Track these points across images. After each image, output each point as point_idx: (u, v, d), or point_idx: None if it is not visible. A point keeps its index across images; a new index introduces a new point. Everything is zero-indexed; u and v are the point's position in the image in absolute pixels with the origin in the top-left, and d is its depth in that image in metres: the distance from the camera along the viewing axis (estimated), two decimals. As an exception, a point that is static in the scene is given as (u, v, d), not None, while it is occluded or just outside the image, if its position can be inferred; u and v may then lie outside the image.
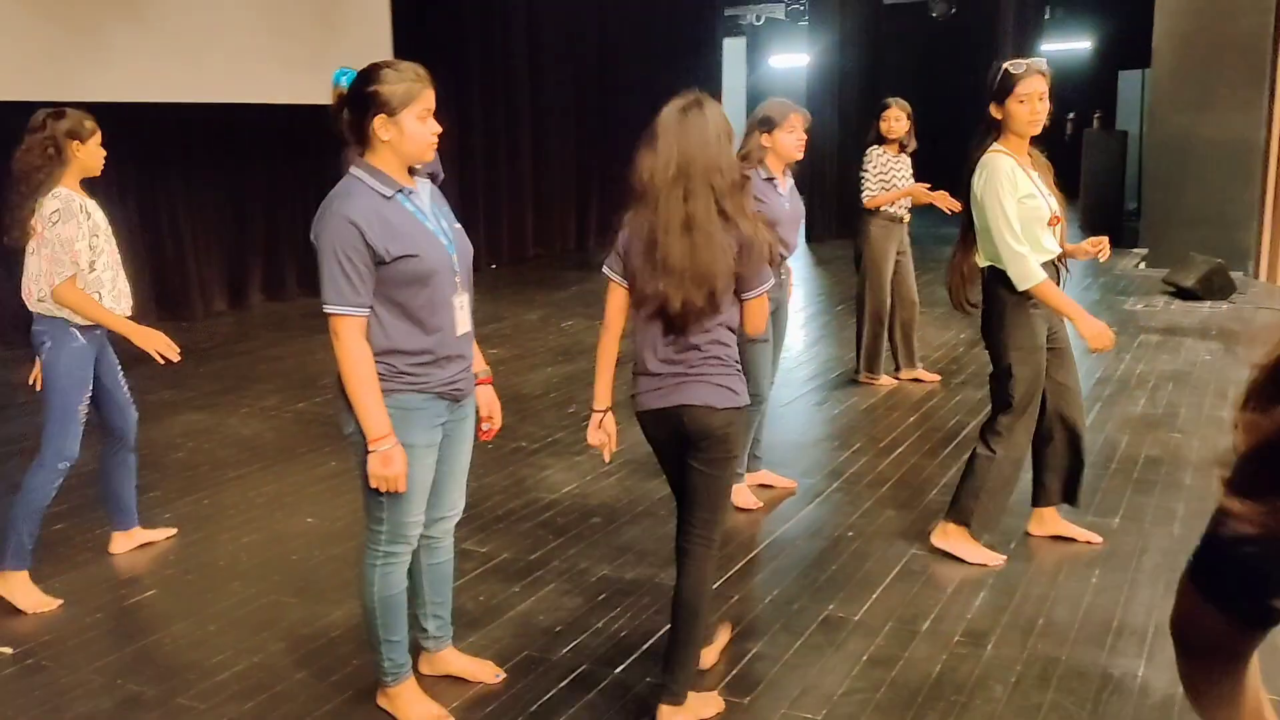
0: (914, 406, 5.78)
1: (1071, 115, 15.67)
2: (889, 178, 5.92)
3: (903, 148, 6.02)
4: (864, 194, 5.95)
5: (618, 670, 3.08)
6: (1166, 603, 3.36)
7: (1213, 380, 6.17)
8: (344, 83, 2.65)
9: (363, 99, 2.53)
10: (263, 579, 3.69)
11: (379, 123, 2.51)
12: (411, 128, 2.54)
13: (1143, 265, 11.00)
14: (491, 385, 2.95)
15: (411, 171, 2.64)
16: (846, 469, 4.81)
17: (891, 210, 5.95)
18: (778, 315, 4.34)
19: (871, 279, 6.04)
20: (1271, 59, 10.75)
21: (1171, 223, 11.03)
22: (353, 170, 2.57)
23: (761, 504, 4.34)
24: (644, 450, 5.05)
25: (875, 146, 5.97)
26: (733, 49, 20.03)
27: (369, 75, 2.54)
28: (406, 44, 9.80)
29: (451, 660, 3.03)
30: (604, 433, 2.87)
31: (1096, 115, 14.92)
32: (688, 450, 2.71)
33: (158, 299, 8.11)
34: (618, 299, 2.74)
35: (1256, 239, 10.93)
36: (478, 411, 2.87)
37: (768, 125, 4.21)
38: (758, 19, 19.46)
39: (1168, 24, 11.30)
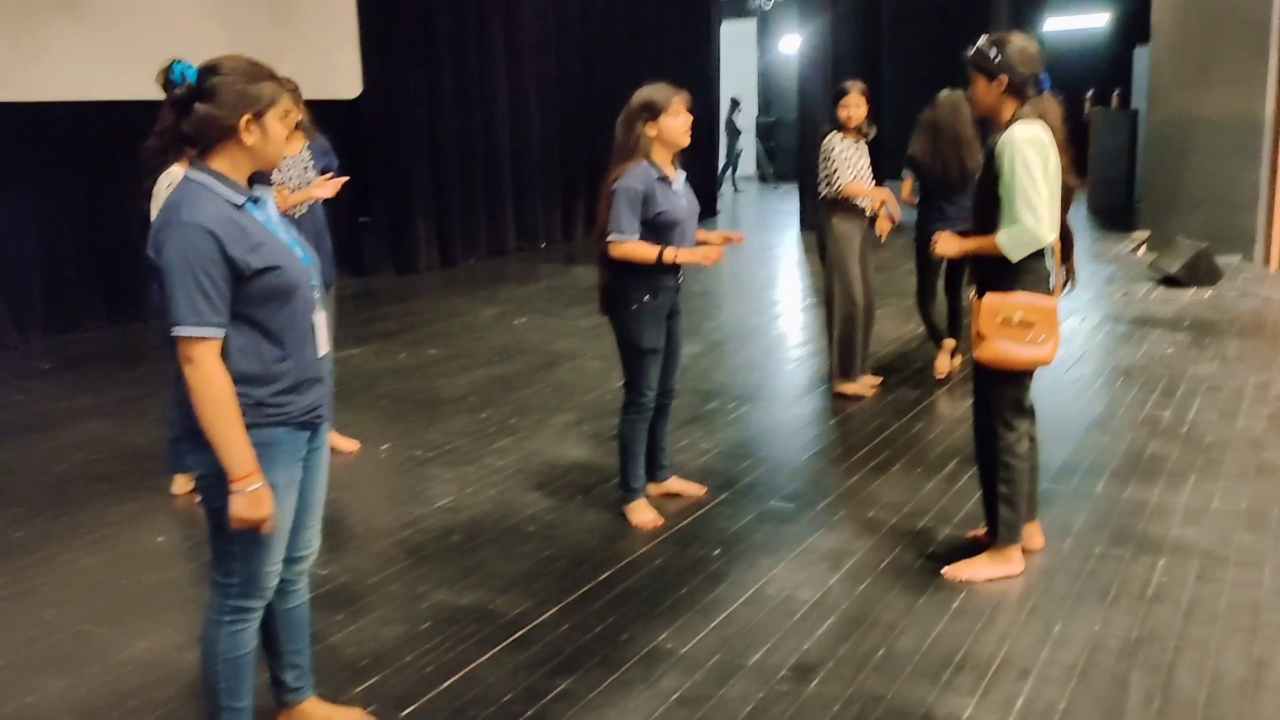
0: (860, 412, 5.52)
1: (1090, 93, 15.13)
2: (851, 166, 5.52)
3: (862, 134, 5.67)
4: (821, 184, 5.58)
5: (403, 714, 2.88)
6: (1023, 632, 3.11)
7: (1165, 375, 5.82)
8: (189, 77, 2.40)
9: (226, 96, 2.31)
10: (81, 605, 3.54)
11: (244, 124, 2.31)
12: (276, 131, 2.38)
13: (1143, 249, 10.56)
14: None
15: (253, 181, 2.44)
16: (743, 478, 4.57)
17: (856, 200, 5.55)
18: (675, 321, 4.12)
19: (840, 277, 5.61)
20: (1277, 32, 10.21)
21: (1173, 205, 10.56)
22: (193, 175, 2.33)
23: (664, 520, 4.10)
24: (538, 461, 4.89)
25: (834, 133, 5.61)
26: (742, 32, 19.71)
27: (226, 71, 2.32)
28: (373, 35, 9.67)
29: (314, 712, 2.77)
30: None
31: (1116, 93, 14.42)
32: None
33: (109, 300, 8.08)
34: None
35: (1264, 221, 10.43)
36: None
37: (652, 112, 3.95)
38: (767, 2, 19.07)
39: (1167, -3, 10.82)
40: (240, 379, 2.30)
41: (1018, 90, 3.33)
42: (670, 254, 3.85)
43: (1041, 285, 3.39)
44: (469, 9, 10.83)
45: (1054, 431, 5.02)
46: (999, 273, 3.39)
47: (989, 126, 3.53)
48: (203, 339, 2.25)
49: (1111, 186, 13.39)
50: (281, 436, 2.38)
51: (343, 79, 9.41)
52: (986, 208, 3.41)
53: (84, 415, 5.73)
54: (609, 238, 3.89)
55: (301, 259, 2.44)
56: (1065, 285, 3.54)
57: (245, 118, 2.31)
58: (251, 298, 2.31)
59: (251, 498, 2.29)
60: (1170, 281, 8.41)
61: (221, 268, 2.25)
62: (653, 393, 4.11)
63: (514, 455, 4.95)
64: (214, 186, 2.31)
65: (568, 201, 12.52)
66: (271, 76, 2.40)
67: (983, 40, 3.38)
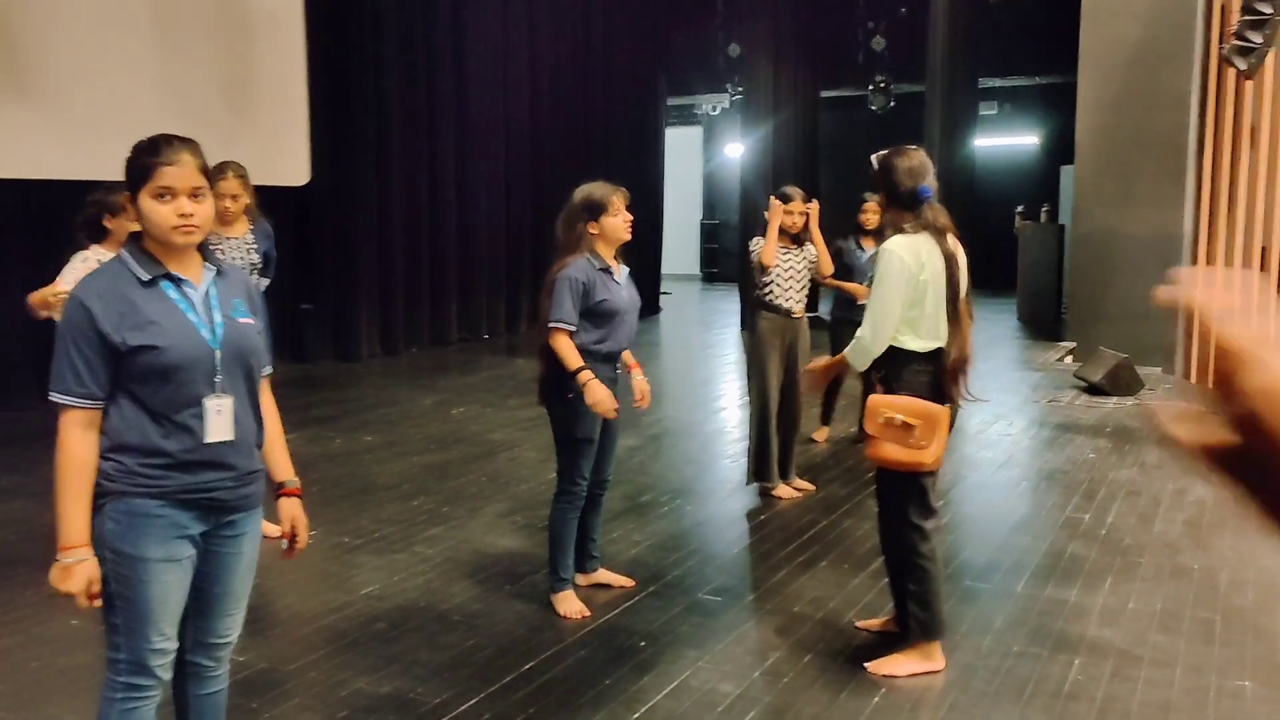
0: (791, 509, 5.58)
1: (1020, 208, 15.75)
2: (784, 269, 5.61)
3: (795, 240, 5.79)
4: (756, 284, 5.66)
5: (315, 800, 2.83)
6: (939, 728, 3.14)
7: (1087, 480, 5.98)
8: None
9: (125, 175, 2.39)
10: (-14, 689, 3.44)
11: (123, 202, 2.39)
12: (146, 208, 2.33)
13: (1068, 359, 10.90)
14: (298, 497, 2.66)
15: (206, 254, 2.45)
16: (672, 571, 4.59)
17: (780, 304, 5.61)
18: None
19: (754, 378, 5.65)
20: (1198, 154, 10.79)
21: (1097, 317, 10.95)
22: (122, 251, 2.40)
23: (591, 611, 4.09)
24: (468, 550, 4.86)
25: (760, 238, 5.73)
26: (688, 138, 20.26)
27: (131, 151, 2.39)
28: (323, 124, 9.81)
29: None
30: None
31: (1045, 209, 15.04)
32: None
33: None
34: None
35: (1184, 335, 10.84)
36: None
37: (593, 212, 4.06)
38: (713, 109, 19.64)
39: (1089, 119, 11.39)
40: (117, 447, 2.32)
41: (902, 202, 3.47)
42: (585, 375, 3.90)
43: (925, 392, 3.43)
44: (419, 103, 11.04)
45: (978, 531, 5.16)
46: (887, 375, 3.50)
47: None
48: (66, 405, 2.30)
49: (1040, 298, 13.85)
50: (155, 509, 2.33)
51: (291, 166, 9.51)
52: None
53: (6, 495, 5.60)
54: (549, 323, 3.97)
55: (207, 342, 2.37)
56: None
57: (126, 195, 2.38)
58: (131, 373, 2.32)
59: (63, 570, 2.30)
60: (1094, 390, 8.67)
61: (94, 341, 2.29)
62: (585, 482, 4.14)
63: (444, 544, 4.93)
64: (128, 262, 2.36)
65: (512, 294, 12.63)
66: (149, 149, 2.35)
67: (873, 156, 3.55)
